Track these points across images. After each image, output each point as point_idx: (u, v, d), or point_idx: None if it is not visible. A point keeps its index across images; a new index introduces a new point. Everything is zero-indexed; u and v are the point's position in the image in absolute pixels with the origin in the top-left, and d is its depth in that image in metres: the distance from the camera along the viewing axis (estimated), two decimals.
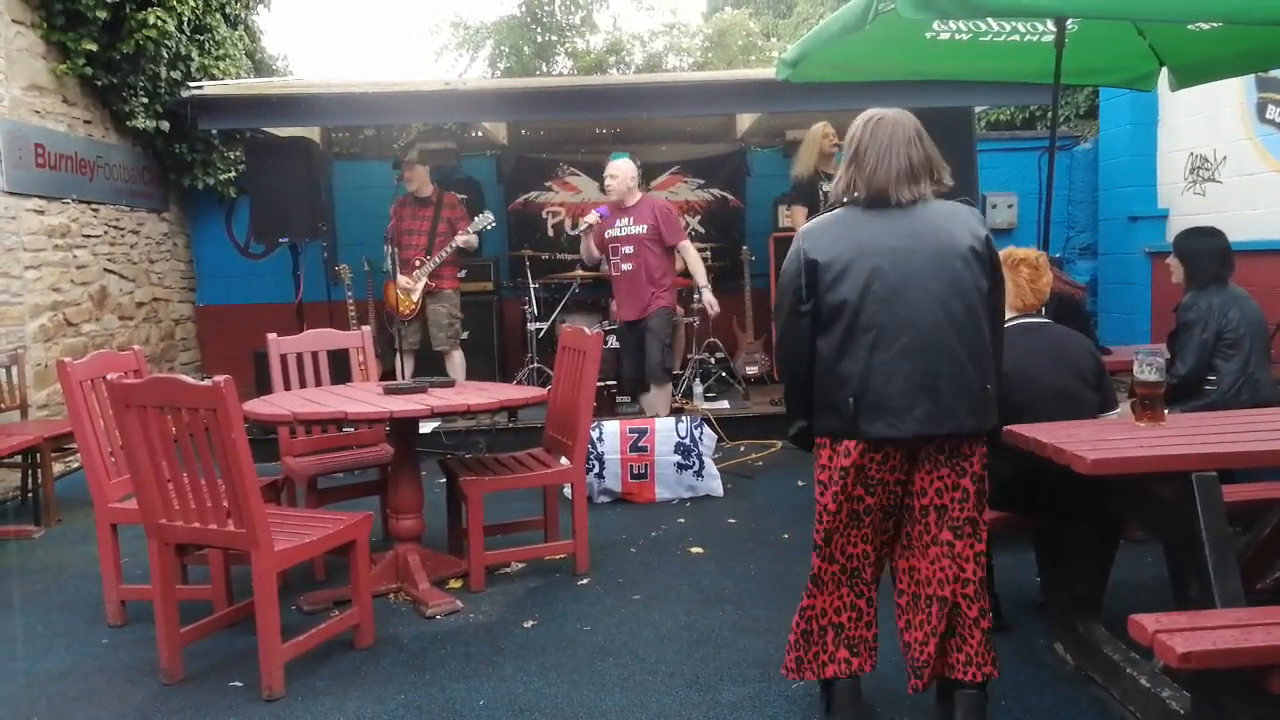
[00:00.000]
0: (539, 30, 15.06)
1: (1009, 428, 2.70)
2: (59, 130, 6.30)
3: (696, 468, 5.18)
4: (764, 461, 6.03)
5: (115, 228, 7.02)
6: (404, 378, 6.21)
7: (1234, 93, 6.30)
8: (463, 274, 7.71)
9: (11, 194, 5.75)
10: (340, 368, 4.74)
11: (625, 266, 5.67)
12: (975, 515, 2.50)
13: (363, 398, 3.82)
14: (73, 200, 6.43)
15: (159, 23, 6.56)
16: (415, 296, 6.53)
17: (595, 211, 5.87)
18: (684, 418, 5.34)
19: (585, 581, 3.97)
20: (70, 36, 6.23)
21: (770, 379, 7.60)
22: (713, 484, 5.23)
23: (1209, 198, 6.75)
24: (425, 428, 6.05)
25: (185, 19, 7.00)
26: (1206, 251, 4.12)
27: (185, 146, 7.55)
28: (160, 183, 7.67)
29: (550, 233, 8.44)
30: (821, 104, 6.21)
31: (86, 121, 6.66)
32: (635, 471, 5.16)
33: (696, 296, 7.06)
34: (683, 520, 4.84)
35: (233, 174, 8.02)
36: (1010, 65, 4.85)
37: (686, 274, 6.07)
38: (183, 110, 6.71)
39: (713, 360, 7.40)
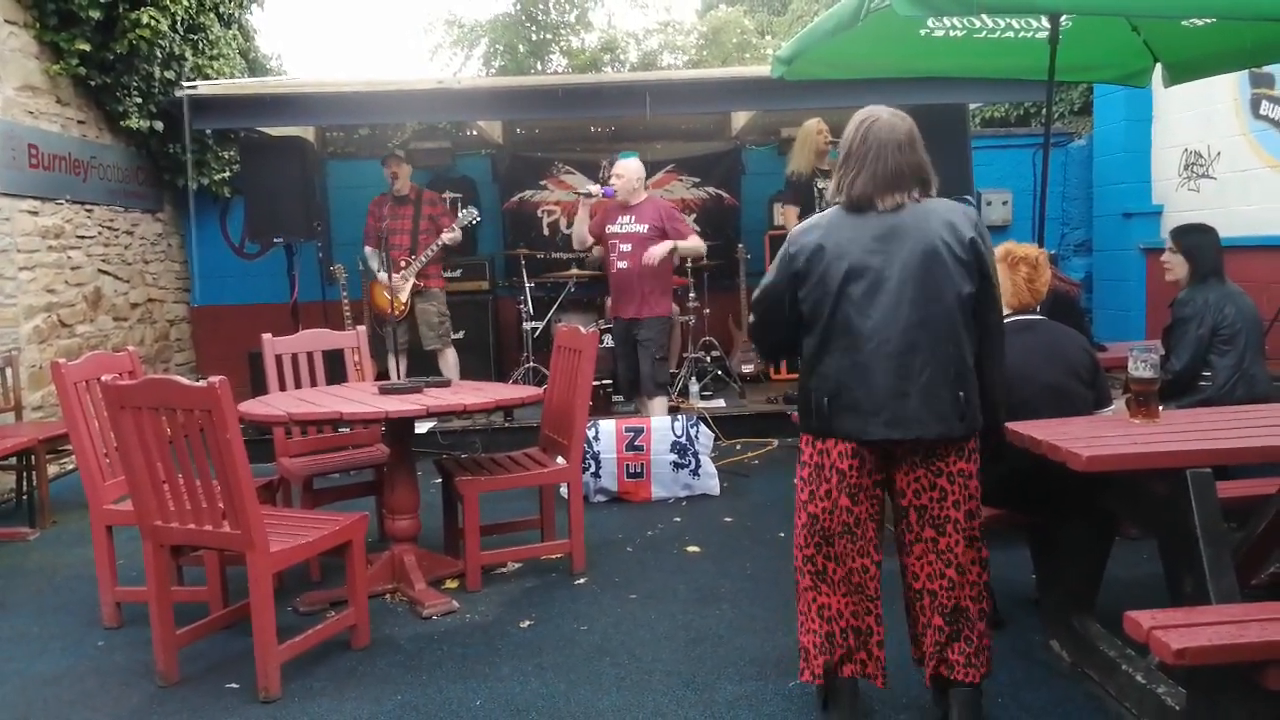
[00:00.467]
0: (533, 28, 15.04)
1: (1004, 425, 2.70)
2: (52, 131, 6.28)
3: (693, 466, 5.18)
4: (760, 460, 6.03)
5: (109, 228, 7.00)
6: (398, 378, 6.20)
7: (1228, 89, 6.31)
8: (458, 273, 7.73)
9: (5, 195, 5.73)
10: (335, 368, 4.73)
11: (622, 264, 5.64)
12: (958, 513, 2.49)
13: (358, 398, 3.82)
14: (66, 201, 6.41)
15: (152, 22, 6.54)
16: (404, 297, 6.52)
17: (600, 186, 5.80)
18: (680, 416, 5.34)
19: (582, 581, 3.97)
20: (63, 36, 6.21)
21: (765, 377, 7.61)
22: (709, 483, 5.23)
23: (1203, 194, 6.77)
24: (421, 428, 6.04)
25: (179, 18, 6.98)
26: (1209, 245, 4.13)
27: (179, 146, 7.51)
28: (154, 183, 7.65)
29: (546, 232, 8.43)
30: (816, 101, 6.21)
31: (80, 122, 6.64)
32: (631, 470, 5.16)
33: (693, 298, 7.09)
34: (679, 519, 4.84)
35: (227, 174, 7.99)
36: (1004, 62, 4.86)
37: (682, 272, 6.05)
38: (177, 110, 6.69)
39: (708, 359, 7.40)
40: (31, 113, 6.07)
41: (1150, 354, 2.79)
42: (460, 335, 7.09)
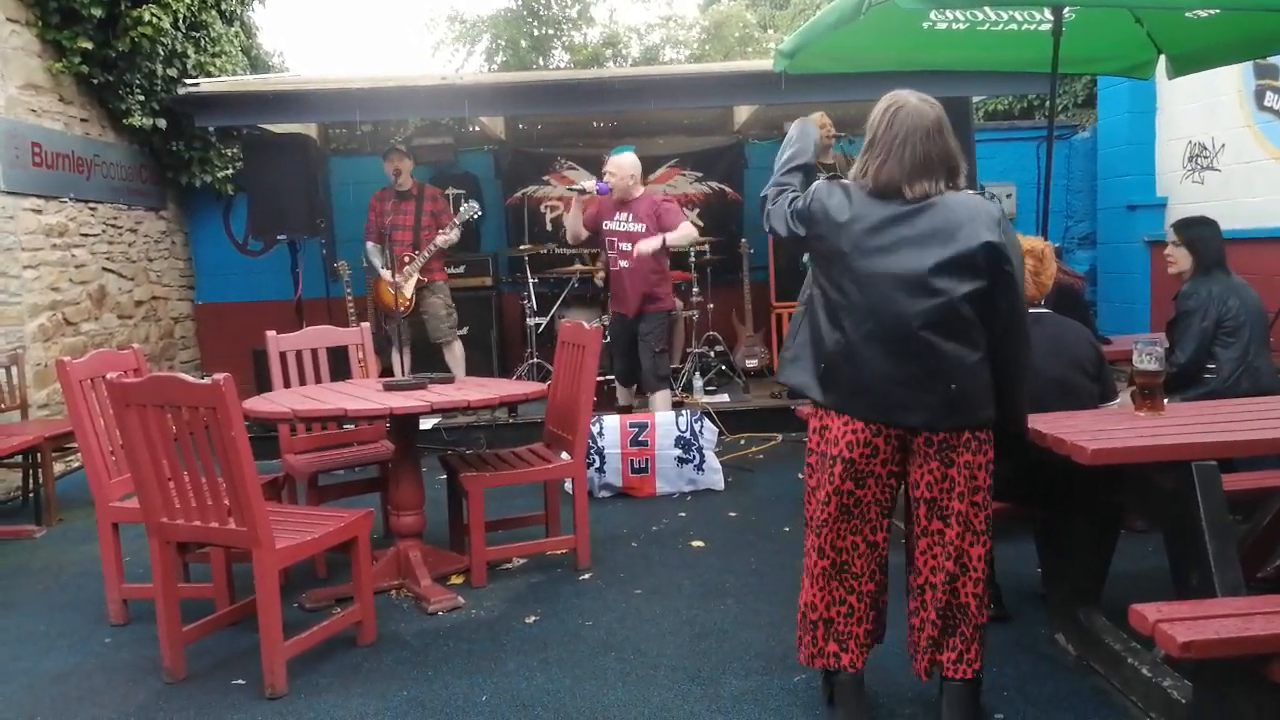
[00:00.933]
0: (535, 24, 15.02)
1: None
2: (55, 129, 6.29)
3: (697, 461, 5.18)
4: (764, 455, 6.03)
5: (113, 226, 7.01)
6: (403, 374, 6.21)
7: (1232, 80, 6.28)
8: (461, 269, 7.72)
9: (9, 193, 5.74)
10: (340, 364, 4.74)
11: (622, 263, 5.61)
12: (964, 506, 2.47)
13: (363, 394, 3.82)
14: (70, 199, 6.41)
15: (154, 20, 6.54)
16: (407, 292, 6.52)
17: (595, 182, 5.74)
18: (684, 412, 5.34)
19: (587, 576, 3.98)
20: (65, 35, 6.22)
21: (769, 371, 7.60)
22: (713, 478, 5.23)
23: (1207, 186, 6.75)
24: (426, 424, 6.05)
25: (180, 16, 6.98)
26: (1212, 238, 4.12)
27: (182, 144, 7.53)
28: (157, 181, 7.66)
29: (549, 227, 8.42)
30: (819, 95, 6.20)
31: (83, 120, 6.65)
32: (636, 466, 5.16)
33: (696, 292, 7.09)
34: (684, 514, 4.84)
35: (230, 171, 8.00)
36: (1008, 55, 4.84)
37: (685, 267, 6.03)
38: (179, 108, 6.70)
39: (712, 354, 7.39)
40: (34, 111, 6.08)
41: (1155, 347, 2.78)
42: (464, 331, 7.09)
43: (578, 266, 7.17)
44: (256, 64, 8.70)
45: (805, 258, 4.70)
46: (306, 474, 4.24)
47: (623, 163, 5.57)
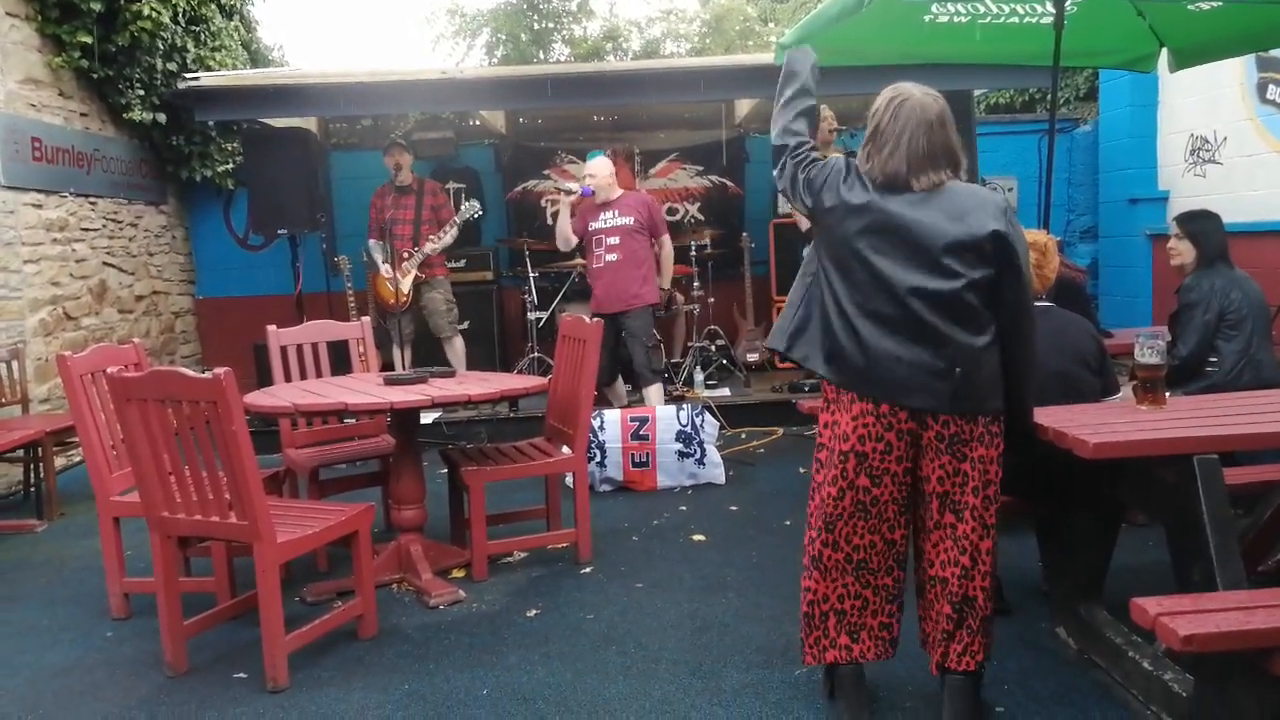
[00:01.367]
0: (536, 17, 15.02)
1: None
2: (55, 123, 6.28)
3: (698, 455, 5.18)
4: (765, 449, 6.03)
5: (113, 221, 7.01)
6: (403, 368, 6.21)
7: (1234, 73, 6.27)
8: (461, 263, 7.71)
9: (9, 188, 5.74)
10: (340, 359, 4.74)
11: (610, 257, 5.65)
12: (978, 500, 2.47)
13: (363, 389, 3.82)
14: (70, 194, 6.41)
15: (154, 14, 6.54)
16: (405, 288, 6.51)
17: (579, 184, 5.88)
18: (685, 406, 5.34)
19: (588, 570, 3.98)
20: (65, 29, 6.21)
21: (771, 365, 7.60)
22: (714, 471, 5.23)
23: (1209, 179, 6.73)
24: (426, 418, 6.05)
25: (180, 10, 6.98)
26: (1214, 230, 4.12)
27: (182, 138, 7.53)
28: (158, 175, 7.65)
29: (550, 221, 8.38)
30: (820, 89, 6.04)
31: (83, 114, 6.64)
32: (637, 460, 5.16)
33: (697, 286, 7.09)
34: (685, 508, 4.84)
35: (230, 166, 7.99)
36: (1009, 48, 4.83)
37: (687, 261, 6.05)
38: (179, 102, 6.69)
39: (713, 348, 7.39)
40: (34, 105, 6.07)
41: (1157, 340, 2.78)
42: (465, 326, 7.08)
43: (579, 261, 7.15)
44: (256, 58, 8.69)
45: (805, 250, 4.70)
46: (307, 468, 4.24)
47: (599, 166, 5.79)
